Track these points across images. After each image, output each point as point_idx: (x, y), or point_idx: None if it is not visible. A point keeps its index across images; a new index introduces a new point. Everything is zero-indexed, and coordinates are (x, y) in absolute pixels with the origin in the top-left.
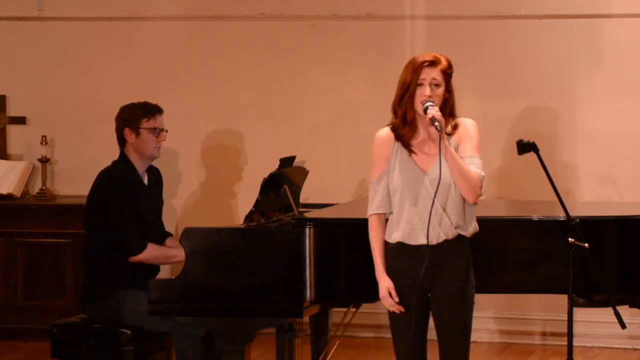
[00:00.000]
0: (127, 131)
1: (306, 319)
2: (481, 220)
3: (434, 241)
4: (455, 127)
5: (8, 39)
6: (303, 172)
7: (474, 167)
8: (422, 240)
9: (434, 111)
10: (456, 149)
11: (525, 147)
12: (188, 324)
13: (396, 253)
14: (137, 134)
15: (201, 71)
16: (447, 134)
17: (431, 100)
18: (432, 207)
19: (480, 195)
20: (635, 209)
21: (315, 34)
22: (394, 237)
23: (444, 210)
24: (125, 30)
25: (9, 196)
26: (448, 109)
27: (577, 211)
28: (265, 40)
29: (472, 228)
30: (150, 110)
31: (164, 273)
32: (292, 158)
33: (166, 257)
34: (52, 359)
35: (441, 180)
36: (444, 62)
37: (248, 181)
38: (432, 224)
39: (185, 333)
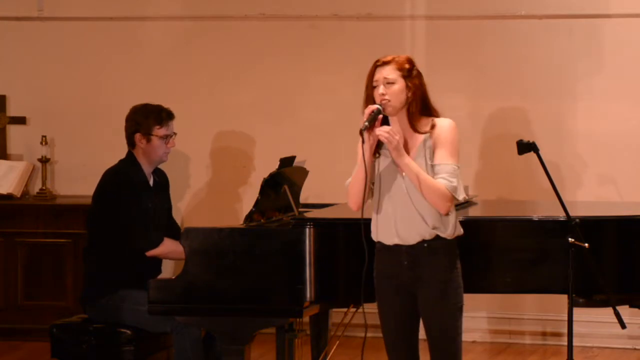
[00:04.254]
0: (138, 136)
1: (306, 319)
2: (481, 221)
3: (410, 241)
4: (432, 127)
5: (8, 39)
6: (303, 172)
7: (445, 175)
8: (397, 240)
9: (381, 132)
10: (432, 151)
11: (525, 147)
12: (188, 324)
13: (379, 254)
14: (148, 140)
15: (201, 71)
16: (422, 132)
17: (385, 101)
18: (406, 207)
19: (451, 206)
20: (635, 209)
21: (315, 34)
22: (375, 235)
23: (418, 210)
24: (125, 30)
25: (9, 196)
26: (417, 106)
27: (577, 211)
28: (265, 40)
29: (451, 229)
30: (164, 117)
31: (165, 273)
32: (292, 158)
33: (181, 253)
34: (52, 359)
35: (413, 185)
36: (399, 59)
37: (248, 181)
38: (406, 224)
39: (185, 333)
